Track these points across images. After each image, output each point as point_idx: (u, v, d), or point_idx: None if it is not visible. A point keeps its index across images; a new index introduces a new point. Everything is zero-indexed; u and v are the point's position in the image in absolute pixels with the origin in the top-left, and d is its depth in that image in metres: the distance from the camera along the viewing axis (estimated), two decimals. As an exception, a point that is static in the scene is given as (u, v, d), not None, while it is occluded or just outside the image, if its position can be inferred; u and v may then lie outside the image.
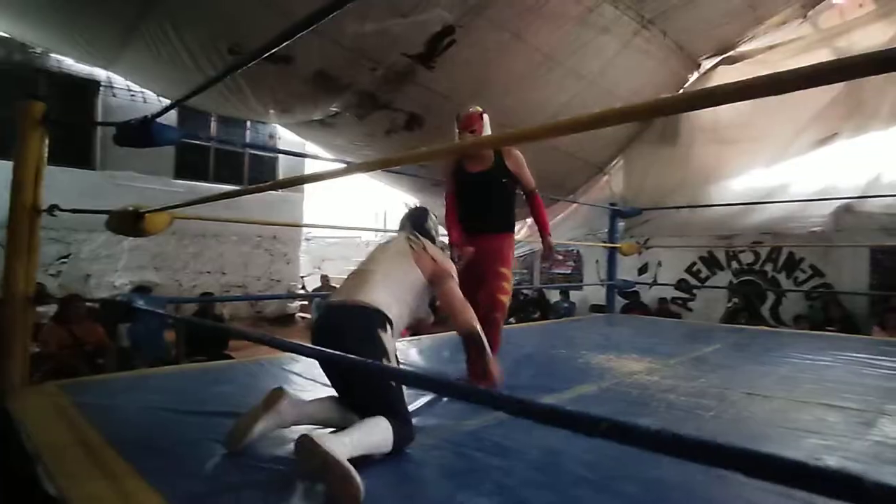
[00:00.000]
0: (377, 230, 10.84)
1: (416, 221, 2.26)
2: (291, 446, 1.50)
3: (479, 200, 2.74)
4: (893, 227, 5.61)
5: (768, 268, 6.69)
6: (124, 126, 2.08)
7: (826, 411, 2.16)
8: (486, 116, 2.67)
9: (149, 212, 2.05)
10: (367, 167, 2.19)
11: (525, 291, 8.67)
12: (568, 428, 0.63)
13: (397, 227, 2.33)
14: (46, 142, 2.08)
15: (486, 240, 2.71)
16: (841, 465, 1.60)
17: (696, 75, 7.49)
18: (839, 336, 4.55)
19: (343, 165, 3.30)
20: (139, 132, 2.02)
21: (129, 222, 2.05)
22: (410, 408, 1.81)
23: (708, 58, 7.32)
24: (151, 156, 6.81)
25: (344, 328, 1.67)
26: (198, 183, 7.87)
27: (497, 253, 2.70)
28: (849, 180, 5.90)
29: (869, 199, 5.54)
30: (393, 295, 1.80)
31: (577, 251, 8.76)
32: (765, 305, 6.68)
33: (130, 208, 2.10)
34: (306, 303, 8.21)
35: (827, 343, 3.92)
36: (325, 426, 1.66)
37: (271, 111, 6.63)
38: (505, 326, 4.08)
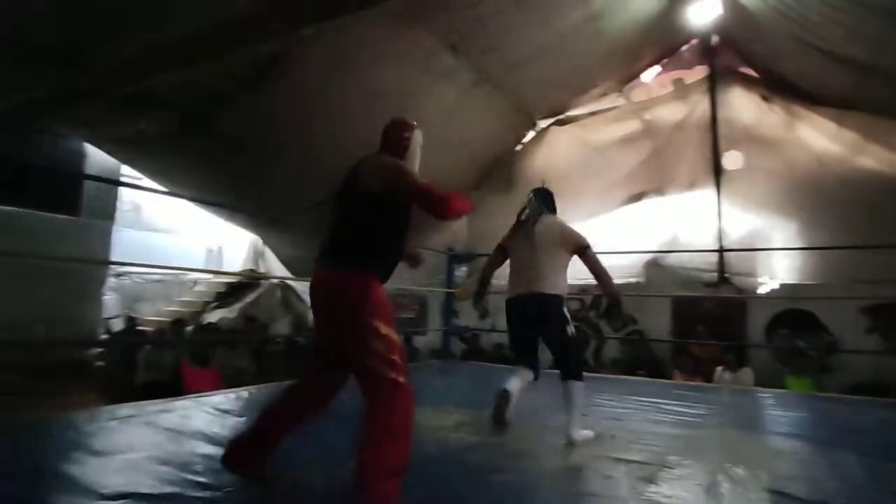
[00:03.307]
0: (208, 271, 9.77)
1: (550, 203, 3.02)
2: None
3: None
4: (689, 280, 6.32)
5: (592, 314, 7.15)
6: None
7: (614, 466, 2.09)
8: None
9: None
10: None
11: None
12: None
13: (532, 208, 2.93)
14: None
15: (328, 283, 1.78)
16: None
17: (532, 133, 8.00)
18: (643, 381, 4.85)
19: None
20: None
21: None
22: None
23: (543, 118, 7.87)
24: None
25: (543, 313, 2.68)
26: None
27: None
28: (656, 236, 6.57)
29: (671, 253, 6.21)
30: (562, 277, 2.79)
31: (423, 295, 8.65)
32: (589, 350, 7.08)
33: None
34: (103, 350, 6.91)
35: (632, 388, 4.11)
36: None
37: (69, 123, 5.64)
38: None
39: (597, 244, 6.32)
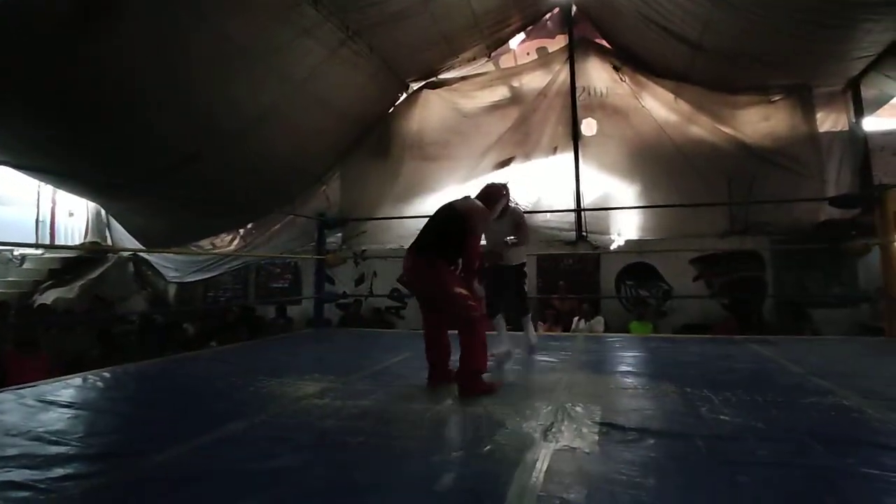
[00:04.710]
0: (39, 246, 8.49)
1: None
2: None
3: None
4: (552, 239, 6.77)
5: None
6: None
7: (467, 416, 2.19)
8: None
9: None
10: None
11: (234, 308, 7.82)
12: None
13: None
14: None
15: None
16: None
17: (404, 95, 7.89)
18: (509, 335, 5.13)
19: None
20: None
21: None
22: None
23: (414, 80, 7.79)
24: None
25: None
26: None
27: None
28: (523, 199, 6.90)
29: (537, 213, 6.59)
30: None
31: (296, 263, 8.33)
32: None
33: None
34: None
35: (496, 342, 4.31)
36: None
37: None
38: (194, 353, 3.40)
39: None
